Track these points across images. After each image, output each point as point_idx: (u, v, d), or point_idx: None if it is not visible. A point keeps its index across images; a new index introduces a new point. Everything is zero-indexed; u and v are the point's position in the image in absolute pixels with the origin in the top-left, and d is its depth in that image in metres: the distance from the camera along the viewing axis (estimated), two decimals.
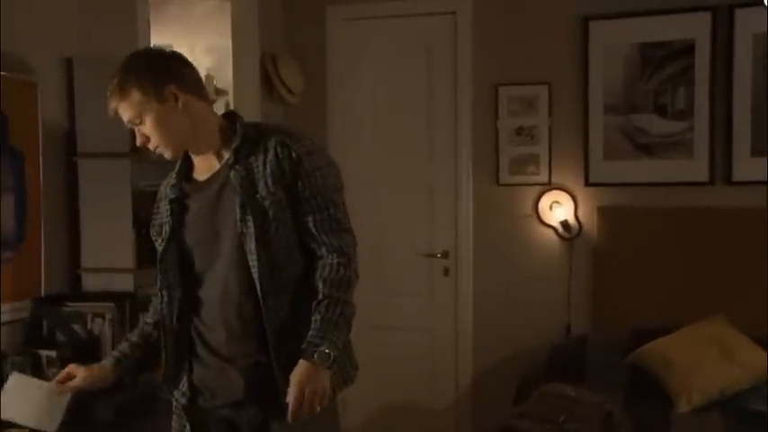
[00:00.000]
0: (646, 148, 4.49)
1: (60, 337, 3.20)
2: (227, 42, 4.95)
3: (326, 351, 2.14)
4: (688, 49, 4.38)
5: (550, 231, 4.69)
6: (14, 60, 3.13)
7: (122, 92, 2.20)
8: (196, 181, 2.35)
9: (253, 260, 2.20)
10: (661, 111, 4.45)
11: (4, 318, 3.07)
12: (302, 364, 2.15)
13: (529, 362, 4.53)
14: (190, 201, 2.33)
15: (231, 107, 5.16)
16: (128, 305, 3.33)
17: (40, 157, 3.28)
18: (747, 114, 4.30)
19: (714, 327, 4.01)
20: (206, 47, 5.66)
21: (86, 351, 3.15)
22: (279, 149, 2.22)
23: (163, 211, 2.37)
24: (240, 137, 2.26)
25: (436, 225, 4.97)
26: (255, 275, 2.20)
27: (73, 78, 3.46)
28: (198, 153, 2.33)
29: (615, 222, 4.53)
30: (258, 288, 2.20)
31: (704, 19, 4.35)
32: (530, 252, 4.74)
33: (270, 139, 2.25)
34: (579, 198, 4.63)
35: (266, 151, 2.23)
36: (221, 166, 2.29)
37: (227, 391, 2.30)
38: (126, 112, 2.23)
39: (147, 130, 2.24)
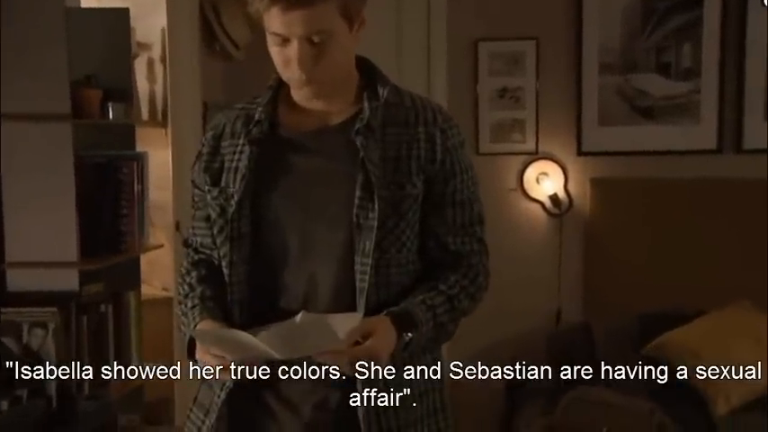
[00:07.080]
0: (646, 111, 4.16)
1: None
2: None
3: (411, 336, 1.61)
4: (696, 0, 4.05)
5: (537, 206, 4.30)
6: None
7: None
8: (289, 129, 1.72)
9: (364, 264, 1.60)
10: (664, 70, 4.13)
11: None
12: (389, 330, 1.57)
13: (518, 354, 4.05)
14: (281, 153, 1.70)
15: (157, 63, 4.47)
16: (73, 309, 2.65)
17: None
18: (762, 74, 4.01)
19: (740, 313, 3.65)
20: None
21: (23, 372, 2.46)
22: (434, 130, 1.70)
23: (227, 153, 1.72)
24: (383, 95, 1.71)
25: None
26: (362, 285, 1.60)
27: None
28: (326, 98, 1.72)
29: (611, 196, 4.20)
30: (358, 302, 1.60)
31: None
32: (514, 230, 4.32)
33: (419, 110, 1.72)
34: (570, 169, 4.26)
35: (412, 126, 1.70)
36: (341, 122, 1.70)
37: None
38: (304, 23, 1.59)
39: (315, 53, 1.62)
